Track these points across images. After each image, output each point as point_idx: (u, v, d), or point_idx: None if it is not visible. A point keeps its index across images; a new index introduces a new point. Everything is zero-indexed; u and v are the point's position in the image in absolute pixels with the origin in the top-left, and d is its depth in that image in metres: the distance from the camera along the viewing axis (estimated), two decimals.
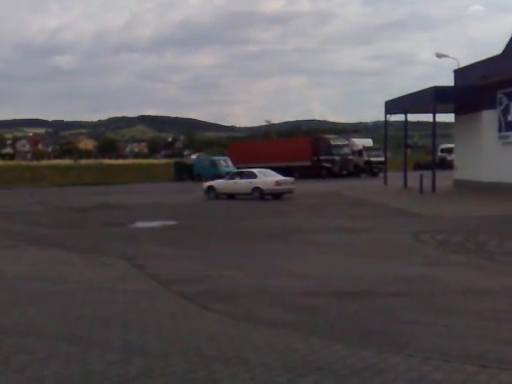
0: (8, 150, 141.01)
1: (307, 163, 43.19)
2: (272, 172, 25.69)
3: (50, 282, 8.49)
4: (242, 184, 24.64)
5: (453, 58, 32.59)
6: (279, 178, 24.92)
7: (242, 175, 25.51)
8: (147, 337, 5.47)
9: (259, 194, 23.77)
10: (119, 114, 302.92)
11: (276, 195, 24.10)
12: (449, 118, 32.39)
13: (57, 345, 5.24)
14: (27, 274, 9.22)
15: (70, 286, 8.07)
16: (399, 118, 32.88)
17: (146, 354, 4.92)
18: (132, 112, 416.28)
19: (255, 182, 24.24)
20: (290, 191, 24.31)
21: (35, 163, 72.83)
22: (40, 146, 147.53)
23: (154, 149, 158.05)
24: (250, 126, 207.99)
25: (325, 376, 4.37)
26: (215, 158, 45.95)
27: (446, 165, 43.03)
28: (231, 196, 24.96)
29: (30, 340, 5.43)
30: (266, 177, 24.68)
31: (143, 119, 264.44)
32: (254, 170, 25.60)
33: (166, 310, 6.61)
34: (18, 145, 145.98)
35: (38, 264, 10.30)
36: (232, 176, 26.11)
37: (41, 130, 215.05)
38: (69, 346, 5.21)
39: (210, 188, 25.69)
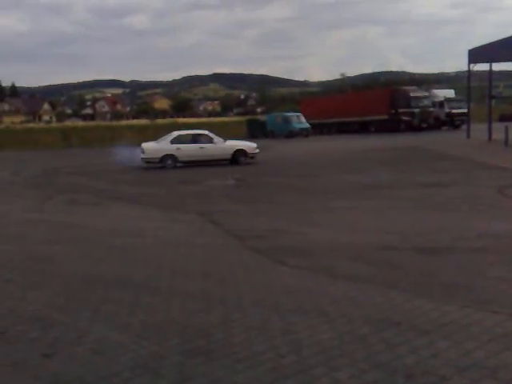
0: (88, 110, 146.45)
1: (384, 117, 41.92)
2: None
3: (131, 236, 8.81)
4: (217, 149, 21.57)
5: None
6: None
7: (196, 140, 21.77)
8: (225, 288, 5.57)
9: (244, 157, 21.73)
10: (192, 73, 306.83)
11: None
12: None
13: (141, 295, 5.45)
14: (110, 229, 9.63)
15: (151, 241, 8.34)
16: (483, 67, 31.00)
17: (224, 305, 5.03)
18: (205, 70, 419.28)
19: (238, 145, 22.46)
20: None
21: (115, 123, 75.30)
22: (118, 107, 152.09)
23: (226, 107, 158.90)
24: (323, 80, 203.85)
25: (406, 330, 4.29)
26: (288, 114, 45.61)
27: None
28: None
29: (116, 290, 5.67)
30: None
31: (216, 77, 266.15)
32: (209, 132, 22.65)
33: (241, 263, 6.69)
34: (98, 105, 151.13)
35: (119, 220, 10.73)
36: (181, 142, 21.57)
37: (118, 91, 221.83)
38: (152, 295, 5.41)
39: (168, 156, 21.02)
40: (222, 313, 4.82)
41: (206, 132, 22.77)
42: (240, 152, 21.90)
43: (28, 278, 6.27)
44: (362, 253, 7.00)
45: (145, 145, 21.84)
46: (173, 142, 21.44)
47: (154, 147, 21.54)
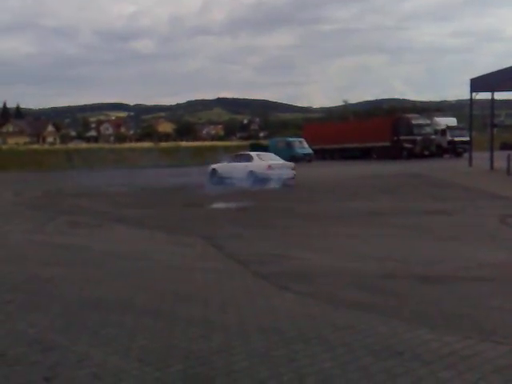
0: (92, 133, 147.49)
1: (387, 144, 42.13)
2: None
3: (133, 259, 8.81)
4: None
5: None
6: None
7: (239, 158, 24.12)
8: (227, 314, 5.55)
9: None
10: (196, 97, 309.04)
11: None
12: None
13: (142, 319, 5.43)
14: (112, 251, 9.63)
15: (153, 263, 8.34)
16: (485, 96, 31.25)
17: (225, 331, 5.00)
18: (209, 95, 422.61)
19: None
20: None
21: (118, 146, 75.70)
22: (122, 130, 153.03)
23: (229, 131, 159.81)
24: (326, 106, 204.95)
25: (407, 360, 4.26)
26: (291, 139, 45.87)
27: None
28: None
29: (116, 314, 5.64)
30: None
31: (220, 102, 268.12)
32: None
33: (244, 288, 6.67)
34: (102, 128, 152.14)
35: (121, 242, 10.73)
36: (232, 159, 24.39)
37: (123, 114, 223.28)
38: (154, 320, 5.39)
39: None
40: (223, 339, 4.79)
41: None
42: None
43: (29, 300, 6.25)
44: (364, 280, 6.98)
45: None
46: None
47: None
